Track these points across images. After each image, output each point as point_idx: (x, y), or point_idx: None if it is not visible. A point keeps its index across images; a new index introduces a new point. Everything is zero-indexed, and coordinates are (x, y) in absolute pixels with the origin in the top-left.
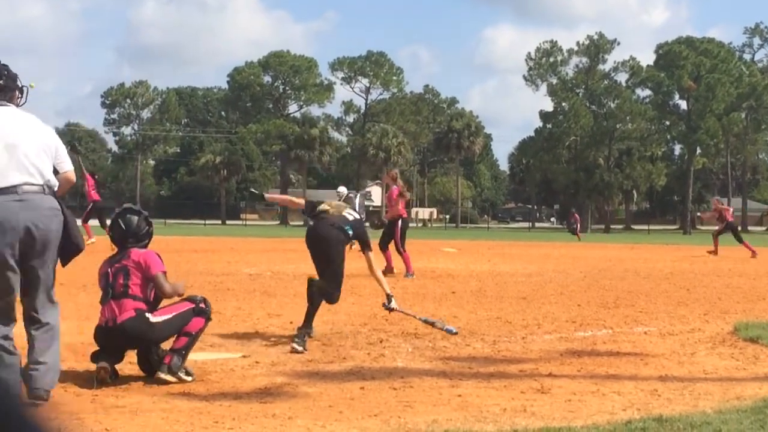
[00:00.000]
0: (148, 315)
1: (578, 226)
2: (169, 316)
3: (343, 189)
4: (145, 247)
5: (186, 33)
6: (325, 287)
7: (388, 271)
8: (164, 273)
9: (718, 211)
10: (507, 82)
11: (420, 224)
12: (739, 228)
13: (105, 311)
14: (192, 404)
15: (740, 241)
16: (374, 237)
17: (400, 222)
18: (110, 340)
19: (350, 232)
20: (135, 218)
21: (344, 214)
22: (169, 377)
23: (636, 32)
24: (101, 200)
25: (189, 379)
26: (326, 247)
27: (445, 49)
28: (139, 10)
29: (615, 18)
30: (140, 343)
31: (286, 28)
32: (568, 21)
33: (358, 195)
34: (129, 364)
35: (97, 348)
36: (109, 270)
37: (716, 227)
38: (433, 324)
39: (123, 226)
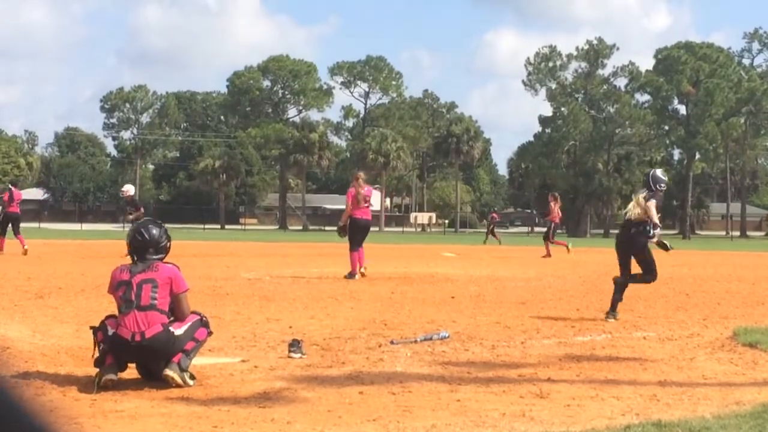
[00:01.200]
0: (171, 329)
1: (493, 227)
2: (186, 326)
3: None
4: (162, 260)
5: (187, 37)
6: (645, 278)
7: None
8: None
9: (550, 209)
10: (506, 87)
11: (419, 229)
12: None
13: (129, 323)
14: (191, 409)
15: (545, 239)
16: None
17: (349, 222)
18: (132, 354)
19: (647, 229)
20: (156, 230)
21: (636, 213)
22: (176, 376)
23: (638, 37)
24: (20, 213)
25: (192, 383)
26: (629, 249)
27: (445, 53)
28: (141, 15)
29: (617, 23)
30: (163, 357)
31: (288, 33)
32: (570, 25)
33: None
34: (128, 368)
35: (100, 352)
36: (132, 279)
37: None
38: (431, 338)
39: (145, 237)
